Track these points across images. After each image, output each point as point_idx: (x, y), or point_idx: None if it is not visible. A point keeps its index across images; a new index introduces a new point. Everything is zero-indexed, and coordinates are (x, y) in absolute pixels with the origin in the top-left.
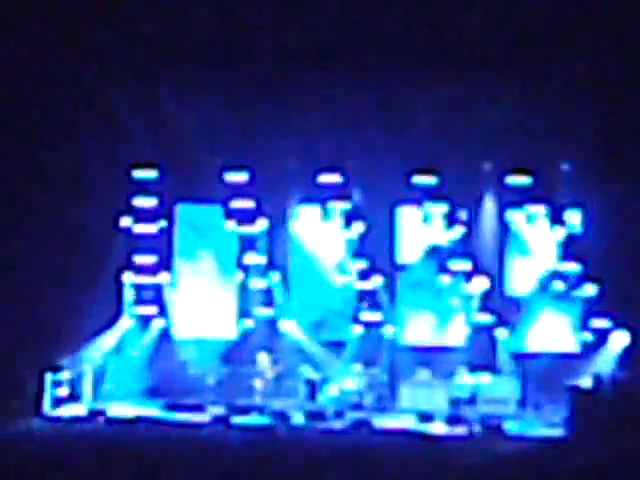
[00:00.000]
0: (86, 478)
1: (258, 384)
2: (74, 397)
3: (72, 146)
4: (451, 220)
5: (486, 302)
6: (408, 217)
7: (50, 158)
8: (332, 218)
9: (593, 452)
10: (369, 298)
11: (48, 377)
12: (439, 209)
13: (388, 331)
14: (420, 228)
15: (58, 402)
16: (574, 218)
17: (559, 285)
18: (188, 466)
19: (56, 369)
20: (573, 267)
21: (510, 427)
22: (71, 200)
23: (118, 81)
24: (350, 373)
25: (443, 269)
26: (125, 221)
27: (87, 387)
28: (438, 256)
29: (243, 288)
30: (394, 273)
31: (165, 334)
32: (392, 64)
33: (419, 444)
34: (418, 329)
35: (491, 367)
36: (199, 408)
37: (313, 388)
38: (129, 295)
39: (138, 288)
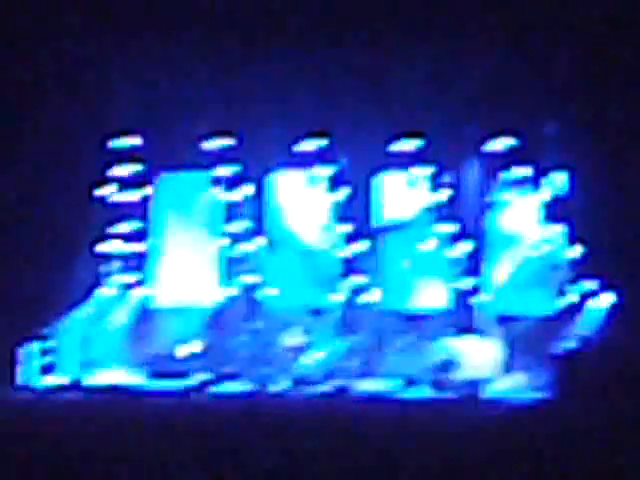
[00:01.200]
0: (67, 447)
1: (251, 350)
2: (55, 367)
3: (51, 114)
4: (436, 184)
5: (470, 266)
6: (393, 181)
7: (27, 129)
8: (316, 183)
9: (579, 414)
10: (354, 263)
11: (30, 346)
12: (424, 173)
13: (372, 296)
14: (405, 192)
15: (38, 372)
16: (560, 179)
17: (545, 247)
18: (173, 433)
19: (36, 339)
20: (559, 229)
21: (494, 391)
22: (50, 169)
23: (98, 51)
24: (334, 339)
25: (429, 233)
26: (105, 190)
27: (69, 357)
28: (423, 220)
29: (226, 255)
30: (379, 238)
31: (147, 302)
32: (376, 30)
33: (404, 409)
34: (403, 293)
35: (475, 331)
36: (183, 375)
37: (297, 354)
38: (111, 263)
39: (120, 256)
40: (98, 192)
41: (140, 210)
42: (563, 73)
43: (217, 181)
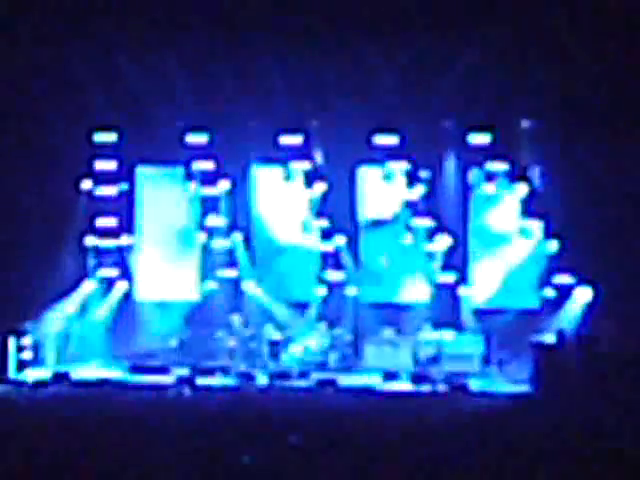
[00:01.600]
0: (51, 441)
1: (230, 344)
2: (38, 361)
3: (32, 110)
4: (413, 179)
5: (449, 260)
6: (370, 177)
7: (9, 124)
8: (293, 179)
9: (558, 408)
10: (332, 258)
11: (12, 341)
12: (400, 168)
13: (351, 290)
14: (382, 187)
15: (22, 366)
16: (535, 175)
17: (521, 242)
18: (153, 428)
19: (19, 333)
20: (535, 224)
21: (474, 384)
22: (32, 164)
23: (77, 45)
24: (314, 333)
25: (406, 228)
26: (86, 184)
27: (51, 351)
28: (401, 215)
29: (205, 250)
30: (357, 233)
31: (128, 297)
32: (352, 25)
33: (384, 403)
34: (383, 287)
35: (455, 324)
36: (163, 370)
37: (277, 348)
38: (91, 258)
39: (100, 251)
40: (82, 186)
41: (120, 204)
42: (538, 70)
43: (194, 175)
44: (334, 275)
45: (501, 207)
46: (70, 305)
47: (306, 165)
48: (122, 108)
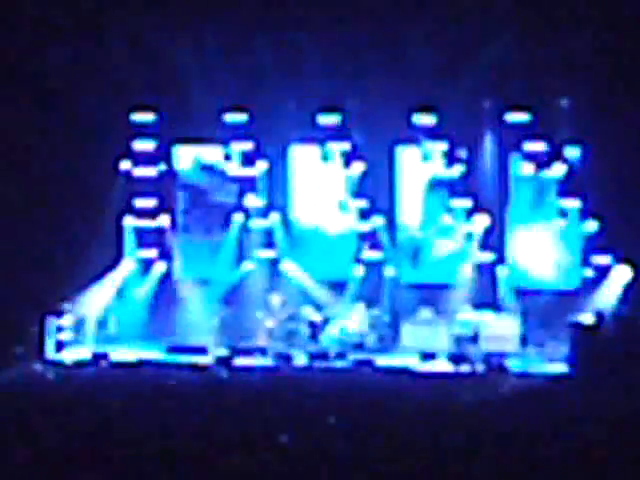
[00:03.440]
0: (89, 422)
1: (269, 324)
2: (77, 341)
3: (70, 90)
4: (451, 158)
5: (487, 239)
6: (408, 156)
7: (48, 103)
8: (332, 158)
9: (595, 388)
10: (370, 238)
11: (51, 322)
12: (439, 147)
13: (389, 270)
14: (420, 167)
15: (61, 346)
16: (574, 154)
17: (560, 221)
18: (191, 408)
19: (58, 313)
20: (573, 203)
21: (512, 364)
22: (70, 144)
23: (115, 25)
24: (352, 313)
25: (444, 207)
26: (125, 164)
27: (89, 331)
28: (439, 194)
29: (243, 230)
30: (394, 212)
31: (166, 277)
32: (390, 3)
33: (422, 383)
34: (421, 267)
35: (493, 304)
36: (201, 350)
37: (315, 329)
38: (130, 238)
39: (139, 231)
40: (122, 166)
41: (157, 185)
42: (577, 49)
43: (232, 155)
44: (372, 255)
45: (539, 186)
46: (109, 286)
47: (344, 144)
48: (160, 88)
